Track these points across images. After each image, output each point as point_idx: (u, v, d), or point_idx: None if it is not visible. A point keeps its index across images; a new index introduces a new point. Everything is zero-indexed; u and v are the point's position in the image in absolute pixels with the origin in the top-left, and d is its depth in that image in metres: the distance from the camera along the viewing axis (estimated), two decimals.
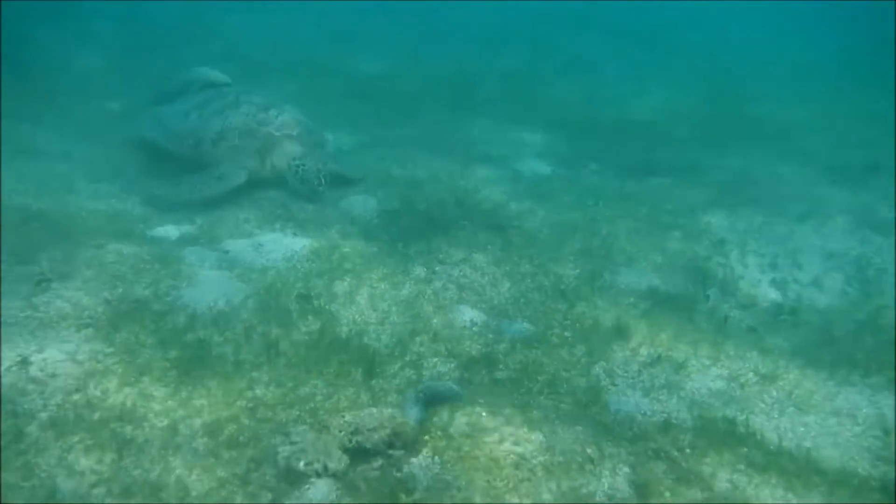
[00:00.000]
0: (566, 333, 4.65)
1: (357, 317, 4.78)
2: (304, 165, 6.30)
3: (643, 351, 4.46)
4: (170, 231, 5.76)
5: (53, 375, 3.72)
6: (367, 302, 4.98)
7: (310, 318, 4.69)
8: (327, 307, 4.85)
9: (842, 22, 18.73)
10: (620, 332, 4.63)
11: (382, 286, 5.19)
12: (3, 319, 4.08)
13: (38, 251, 5.01)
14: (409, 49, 14.21)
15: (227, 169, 6.29)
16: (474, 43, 15.07)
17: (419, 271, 5.40)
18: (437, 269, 5.41)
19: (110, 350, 4.03)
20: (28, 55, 9.91)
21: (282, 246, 5.70)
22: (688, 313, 4.94)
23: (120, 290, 4.71)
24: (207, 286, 4.96)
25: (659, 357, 4.37)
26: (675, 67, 13.78)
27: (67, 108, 8.33)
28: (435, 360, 4.28)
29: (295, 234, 5.92)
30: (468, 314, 4.84)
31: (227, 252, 5.51)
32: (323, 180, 6.26)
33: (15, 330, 4.03)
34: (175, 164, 6.68)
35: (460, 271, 5.39)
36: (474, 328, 4.67)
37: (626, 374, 4.26)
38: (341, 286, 5.14)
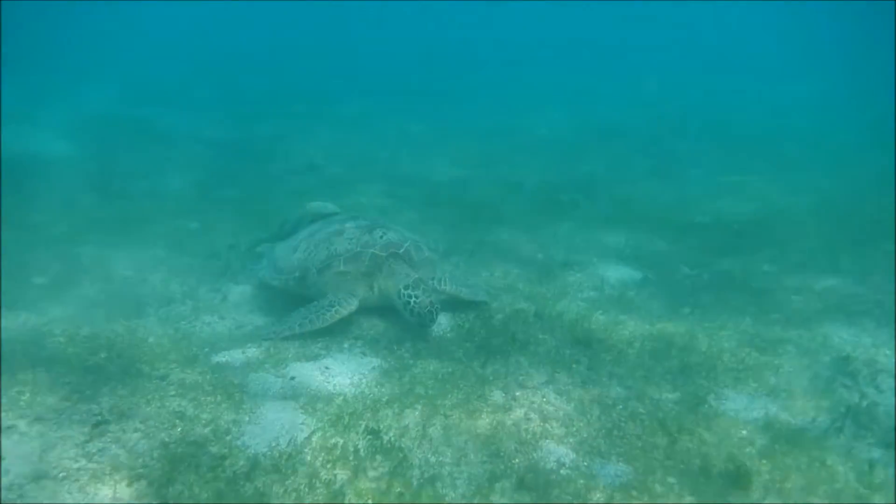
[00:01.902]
0: (670, 479, 3.96)
1: (430, 456, 4.28)
2: (416, 297, 5.74)
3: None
4: (234, 356, 5.53)
5: None
6: (440, 436, 4.48)
7: (378, 458, 4.23)
8: (397, 443, 4.39)
9: None
10: (737, 478, 3.91)
11: (457, 415, 4.70)
12: (54, 474, 3.85)
13: (101, 385, 4.87)
14: (486, 157, 14.31)
15: (336, 297, 5.97)
16: (555, 152, 15.03)
17: (497, 397, 4.89)
18: (517, 393, 4.88)
19: None
20: (114, 180, 10.52)
21: (349, 368, 5.36)
22: (818, 452, 4.14)
23: (179, 429, 4.44)
24: (270, 421, 4.61)
25: None
26: (775, 159, 13.12)
27: (150, 231, 8.57)
28: None
29: (364, 354, 5.58)
30: (555, 452, 4.25)
31: (292, 379, 5.20)
32: (435, 315, 5.73)
33: (65, 486, 3.77)
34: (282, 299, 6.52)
35: (543, 397, 4.84)
36: (563, 471, 4.06)
37: None
38: (412, 416, 4.68)
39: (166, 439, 4.32)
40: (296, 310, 6.01)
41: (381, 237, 6.27)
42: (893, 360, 5.24)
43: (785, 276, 7.17)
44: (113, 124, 15.30)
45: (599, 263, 7.75)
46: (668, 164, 13.56)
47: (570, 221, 9.29)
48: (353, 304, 5.90)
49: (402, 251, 6.19)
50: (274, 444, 4.33)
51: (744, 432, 4.39)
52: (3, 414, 4.38)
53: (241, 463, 4.14)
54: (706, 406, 4.73)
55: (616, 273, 7.49)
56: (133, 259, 7.54)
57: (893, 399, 4.79)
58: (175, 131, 15.66)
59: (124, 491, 3.81)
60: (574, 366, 5.23)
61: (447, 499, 3.86)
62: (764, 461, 4.06)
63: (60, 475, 3.85)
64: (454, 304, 6.35)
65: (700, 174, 12.82)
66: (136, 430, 4.36)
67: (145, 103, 18.41)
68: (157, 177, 11.58)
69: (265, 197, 10.74)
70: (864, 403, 4.72)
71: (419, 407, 4.78)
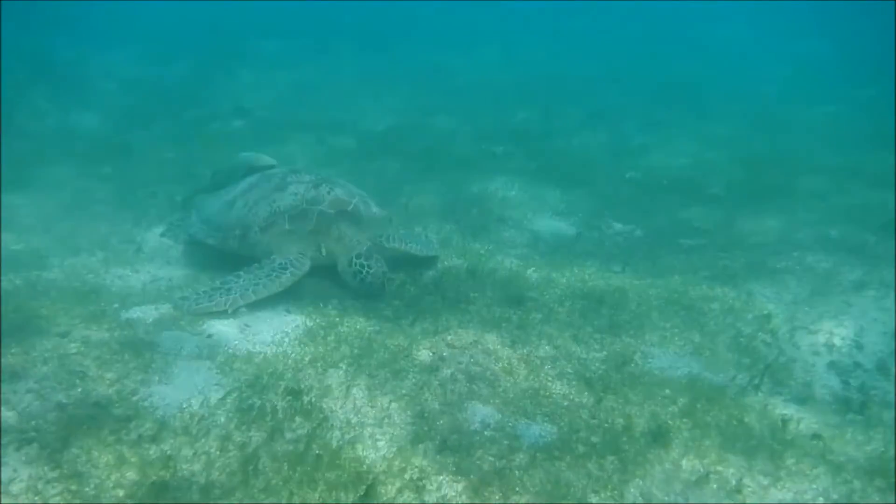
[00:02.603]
0: (594, 438, 3.94)
1: (352, 416, 4.12)
2: (369, 268, 5.45)
3: (686, 464, 3.73)
4: (147, 312, 5.17)
5: None
6: (364, 396, 4.32)
7: (297, 419, 4.04)
8: (319, 404, 4.20)
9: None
10: (658, 438, 3.92)
11: (383, 375, 4.54)
12: None
13: None
14: (420, 105, 13.90)
15: (286, 258, 5.51)
16: (487, 97, 14.70)
17: (425, 356, 4.75)
18: (445, 353, 4.75)
19: (54, 475, 3.39)
20: (15, 116, 9.66)
21: (272, 326, 5.10)
22: (737, 410, 4.20)
23: (79, 390, 4.11)
24: (182, 381, 4.33)
25: (707, 475, 3.63)
26: (703, 117, 13.23)
27: (57, 175, 7.92)
28: (440, 478, 3.59)
29: (287, 312, 5.32)
30: (480, 413, 4.16)
31: (209, 337, 4.90)
32: (387, 286, 5.50)
33: None
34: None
35: (471, 357, 4.73)
36: (487, 432, 3.98)
37: (667, 498, 3.54)
38: (336, 376, 4.50)
39: (63, 400, 3.98)
40: (236, 273, 5.44)
41: (328, 193, 5.83)
42: (812, 317, 5.37)
43: (714, 233, 7.26)
44: (15, 54, 13.98)
45: (534, 218, 7.67)
46: (602, 116, 13.51)
47: (504, 175, 9.13)
48: (307, 265, 5.48)
49: (350, 208, 5.81)
50: (185, 406, 4.07)
51: (667, 391, 4.41)
52: None
53: (148, 425, 3.86)
54: (633, 365, 4.73)
55: (550, 229, 7.43)
56: (36, 206, 6.97)
57: (809, 356, 4.92)
58: (86, 66, 14.54)
59: (12, 455, 3.49)
60: (504, 325, 5.13)
61: (367, 461, 3.72)
62: (685, 420, 4.09)
63: None
64: (389, 261, 6.12)
65: (632, 127, 12.84)
66: (28, 391, 4.00)
67: (51, 32, 16.93)
68: (64, 115, 10.75)
69: (184, 141, 10.15)
70: (782, 360, 4.82)
71: (343, 366, 4.60)
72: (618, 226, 7.47)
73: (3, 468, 3.37)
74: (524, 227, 7.33)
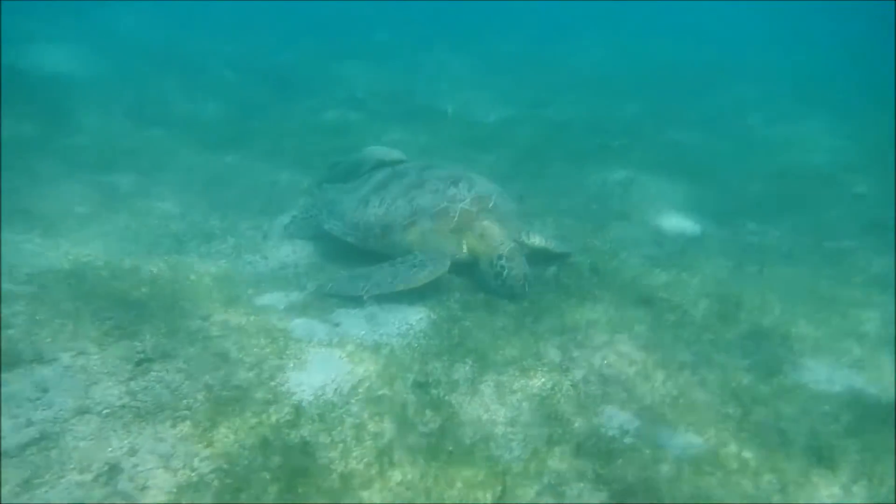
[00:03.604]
0: (746, 454, 3.66)
1: (483, 413, 4.04)
2: (510, 269, 5.27)
3: (857, 491, 3.39)
4: (278, 299, 5.32)
5: (144, 488, 3.24)
6: (493, 393, 4.23)
7: (428, 413, 4.01)
8: (447, 398, 4.15)
9: None
10: (821, 457, 3.59)
11: (510, 372, 4.44)
12: (98, 409, 3.71)
13: (144, 322, 4.71)
14: (529, 96, 13.69)
15: (427, 255, 5.44)
16: (595, 90, 14.26)
17: (553, 355, 4.60)
18: (574, 354, 4.59)
19: (207, 453, 3.52)
20: (147, 104, 10.24)
21: (396, 317, 5.11)
22: None
23: (222, 371, 4.26)
24: (315, 368, 4.41)
25: None
26: (835, 110, 12.24)
27: (186, 162, 8.34)
28: (580, 485, 3.44)
29: (411, 304, 5.30)
30: (617, 418, 3.97)
31: (337, 325, 4.97)
32: (527, 288, 5.30)
33: (110, 423, 3.63)
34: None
35: (603, 358, 4.53)
36: (626, 439, 3.79)
37: None
38: (463, 371, 4.44)
39: (210, 381, 4.14)
40: (379, 264, 5.49)
41: (469, 189, 5.72)
42: None
43: (864, 236, 6.64)
44: (144, 47, 14.89)
45: (656, 215, 7.31)
46: (722, 109, 12.79)
47: (623, 169, 8.77)
48: (447, 264, 5.36)
49: (491, 205, 5.69)
50: (320, 393, 4.13)
51: (826, 407, 4.05)
52: (46, 345, 4.25)
53: (287, 410, 3.95)
54: (782, 376, 4.37)
55: (675, 226, 7.05)
56: (169, 191, 7.35)
57: None
58: (205, 57, 15.28)
59: (168, 432, 3.65)
60: (636, 327, 4.89)
61: (502, 461, 3.62)
62: (851, 441, 3.72)
63: (104, 411, 3.71)
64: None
65: (759, 119, 12.06)
66: (179, 371, 4.20)
67: (174, 25, 17.90)
68: (190, 104, 11.30)
69: (300, 131, 10.43)
70: None
71: (469, 362, 4.53)
72: (751, 225, 6.99)
73: (160, 445, 3.53)
74: (648, 225, 7.00)
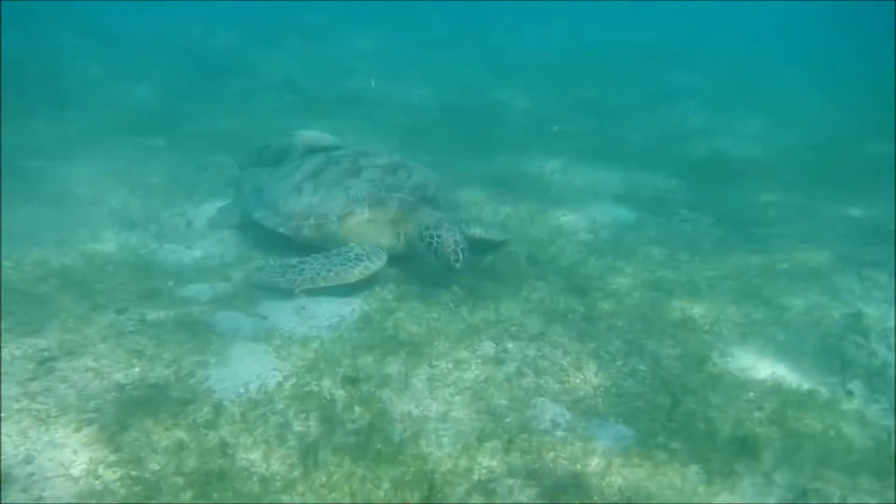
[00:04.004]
0: (674, 444, 3.67)
1: (414, 409, 3.92)
2: (438, 237, 5.07)
3: (779, 479, 3.43)
4: (202, 290, 5.07)
5: (39, 499, 2.99)
6: (425, 387, 4.13)
7: (357, 409, 3.86)
8: (378, 393, 4.02)
9: None
10: (745, 447, 3.62)
11: (444, 365, 4.34)
12: None
13: (51, 318, 4.39)
14: (469, 80, 13.56)
15: (363, 248, 5.24)
16: (543, 75, 14.24)
17: (487, 347, 4.52)
18: (509, 345, 4.52)
19: (114, 458, 3.29)
20: (70, 87, 9.65)
21: (328, 309, 4.94)
22: (831, 418, 3.87)
23: (136, 370, 4.01)
24: (239, 364, 4.20)
25: (804, 492, 3.33)
26: (772, 96, 12.57)
27: (106, 146, 7.86)
28: (511, 482, 3.37)
29: (343, 294, 5.14)
30: (549, 411, 3.92)
31: (265, 318, 4.76)
32: (461, 255, 5.03)
33: (4, 429, 3.34)
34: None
35: (537, 349, 4.48)
36: (558, 433, 3.74)
37: None
38: (395, 364, 4.31)
39: (122, 380, 3.89)
40: (313, 255, 5.26)
41: (408, 179, 5.53)
42: None
43: (791, 220, 6.81)
44: (62, 22, 13.99)
45: (594, 202, 7.32)
46: (663, 94, 12.99)
47: (562, 156, 8.76)
48: (384, 258, 5.20)
49: (430, 193, 5.49)
50: (242, 391, 3.93)
51: (751, 394, 4.10)
52: None
53: (206, 409, 3.74)
54: (710, 363, 4.42)
55: (611, 214, 7.07)
56: (90, 177, 6.91)
57: None
58: (136, 35, 14.53)
59: (71, 437, 3.40)
60: (570, 316, 4.86)
61: (431, 458, 3.52)
62: (774, 428, 3.78)
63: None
64: None
65: (696, 106, 12.29)
66: (87, 370, 3.93)
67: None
68: (116, 85, 10.72)
69: (233, 113, 10.03)
70: (876, 364, 4.45)
71: (402, 354, 4.41)
72: (684, 212, 7.08)
73: (61, 452, 3.28)
74: (585, 212, 6.99)
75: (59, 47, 12.39)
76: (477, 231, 5.75)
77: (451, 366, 4.33)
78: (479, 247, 5.91)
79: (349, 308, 4.96)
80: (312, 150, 6.21)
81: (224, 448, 3.46)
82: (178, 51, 13.88)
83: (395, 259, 5.41)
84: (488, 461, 3.50)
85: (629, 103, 12.35)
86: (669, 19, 22.85)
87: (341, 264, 5.10)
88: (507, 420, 3.82)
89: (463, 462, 3.49)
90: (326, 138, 6.28)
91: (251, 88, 11.75)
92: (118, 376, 3.92)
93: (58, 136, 7.99)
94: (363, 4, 21.09)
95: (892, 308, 5.10)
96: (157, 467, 3.28)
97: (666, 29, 21.07)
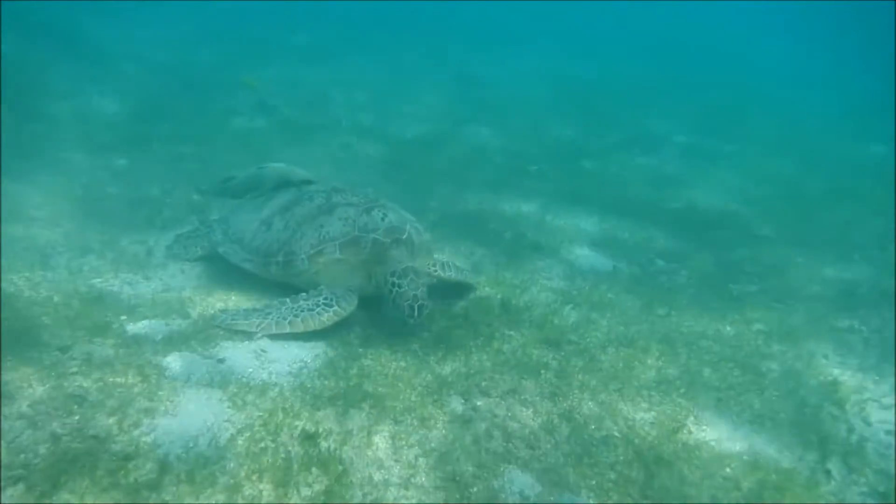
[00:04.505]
0: None
1: (375, 472, 3.68)
2: (399, 287, 4.86)
3: None
4: (156, 327, 4.76)
5: None
6: (388, 447, 3.88)
7: (314, 471, 3.60)
8: (338, 452, 3.77)
9: None
10: None
11: (409, 422, 4.10)
12: None
13: None
14: (452, 112, 13.50)
15: (333, 291, 5.00)
16: (521, 109, 14.27)
17: (456, 404, 4.30)
18: (478, 403, 4.30)
19: None
20: (35, 98, 9.25)
21: (289, 353, 4.68)
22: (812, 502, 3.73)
23: (76, 418, 3.69)
24: (190, 413, 3.91)
25: None
26: (747, 149, 12.74)
27: (67, 165, 7.52)
28: None
29: (307, 338, 4.88)
30: (518, 481, 3.70)
31: (221, 361, 4.48)
32: (416, 311, 4.80)
33: None
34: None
35: (507, 409, 4.27)
36: None
37: None
38: (358, 418, 4.06)
39: (59, 431, 3.57)
40: (281, 299, 5.02)
41: (383, 219, 5.28)
42: (884, 389, 4.88)
43: (766, 279, 6.77)
44: (34, 27, 13.55)
45: (570, 247, 7.20)
46: (641, 137, 13.08)
47: (539, 197, 8.68)
48: (354, 302, 4.96)
49: (405, 236, 5.26)
50: (191, 445, 3.65)
51: (727, 470, 3.94)
52: None
53: (149, 466, 3.45)
54: (685, 432, 4.26)
55: (587, 260, 6.96)
56: (46, 197, 6.57)
57: (882, 435, 4.43)
58: (109, 45, 14.13)
59: None
60: (542, 372, 4.67)
61: None
62: None
63: None
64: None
65: (675, 153, 12.38)
66: (19, 417, 3.60)
67: (71, 6, 16.51)
68: (82, 98, 10.34)
69: (205, 137, 9.72)
70: (853, 439, 4.34)
71: (366, 407, 4.17)
72: (660, 262, 6.99)
73: None
74: (560, 257, 6.87)
75: (28, 54, 11.98)
76: (451, 274, 5.63)
77: (416, 423, 4.10)
78: (454, 290, 5.74)
79: (313, 353, 4.71)
80: (284, 184, 5.95)
81: None
82: (156, 65, 13.58)
83: (364, 300, 5.19)
84: None
85: (607, 145, 12.38)
86: (655, 50, 23.31)
87: (309, 309, 4.86)
88: (474, 490, 3.60)
89: None
90: (298, 172, 6.01)
91: (224, 111, 11.46)
92: (55, 425, 3.60)
93: (16, 152, 7.60)
94: (354, 30, 21.14)
95: (868, 377, 5.03)
96: None
97: (649, 65, 21.48)
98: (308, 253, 5.21)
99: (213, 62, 15.04)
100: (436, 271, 5.49)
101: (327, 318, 4.81)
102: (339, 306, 4.88)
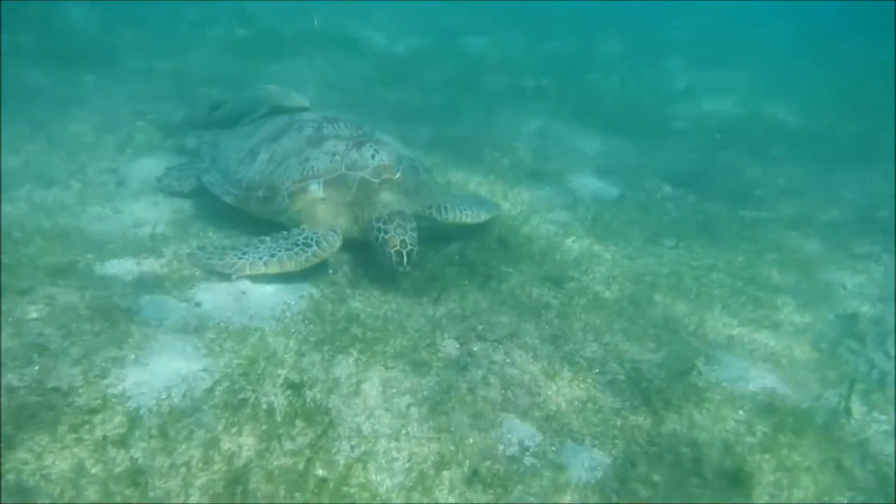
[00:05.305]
0: (655, 476, 3.26)
1: (364, 423, 3.42)
2: (385, 233, 4.48)
3: None
4: (126, 267, 4.40)
5: None
6: (378, 395, 3.61)
7: (298, 423, 3.34)
8: (324, 402, 3.50)
9: None
10: (735, 478, 3.24)
11: (401, 368, 3.82)
12: None
13: None
14: (441, 21, 12.63)
15: (314, 231, 4.60)
16: (520, 22, 13.36)
17: (450, 348, 4.02)
18: (474, 348, 4.01)
19: None
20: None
21: (273, 295, 4.35)
22: (831, 448, 3.50)
23: (36, 368, 3.39)
24: (162, 362, 3.61)
25: None
26: (757, 57, 12.00)
27: (26, 81, 6.93)
28: None
29: (290, 279, 4.53)
30: (517, 431, 3.45)
31: (197, 305, 4.15)
32: (404, 258, 4.40)
33: None
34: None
35: (505, 353, 3.99)
36: (526, 460, 3.29)
37: None
38: (345, 365, 3.78)
39: (15, 382, 3.27)
40: (260, 237, 4.63)
41: (373, 157, 4.80)
42: None
43: (779, 204, 6.39)
44: None
45: (571, 174, 6.78)
46: (643, 49, 12.33)
47: (537, 117, 8.16)
48: (336, 244, 4.54)
49: (397, 176, 4.79)
50: (164, 397, 3.36)
51: (740, 412, 3.70)
52: None
53: (117, 420, 3.17)
54: (695, 373, 4.00)
55: (590, 187, 6.56)
56: (3, 121, 6.02)
57: None
58: None
59: None
60: (543, 313, 4.37)
61: (381, 489, 3.04)
62: (767, 456, 3.39)
63: None
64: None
65: (679, 65, 11.70)
66: None
67: None
68: (45, 3, 9.50)
69: (181, 49, 9.03)
70: (874, 374, 4.09)
71: (354, 353, 3.88)
72: (667, 188, 6.60)
73: None
74: (561, 185, 6.46)
75: None
76: (451, 216, 5.01)
77: (408, 369, 3.82)
78: (449, 227, 5.34)
79: (297, 295, 4.38)
80: (276, 110, 5.41)
81: (135, 474, 2.91)
82: None
83: (351, 241, 4.81)
84: (446, 496, 3.04)
85: (609, 56, 11.68)
86: None
87: (287, 249, 4.48)
88: (470, 442, 3.35)
89: (416, 497, 3.02)
90: (294, 97, 5.42)
91: (201, 19, 10.63)
92: (11, 377, 3.29)
93: None
94: None
95: (890, 308, 4.74)
96: (49, 500, 2.73)
97: None
98: (290, 189, 4.76)
99: None
100: (431, 213, 4.96)
101: (305, 259, 4.43)
102: (318, 247, 4.48)
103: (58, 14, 9.39)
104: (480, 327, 4.16)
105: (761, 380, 4.00)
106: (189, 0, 10.97)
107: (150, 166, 5.78)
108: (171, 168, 5.69)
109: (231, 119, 5.75)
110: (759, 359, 4.20)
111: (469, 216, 5.06)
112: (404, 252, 4.41)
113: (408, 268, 4.45)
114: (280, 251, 4.46)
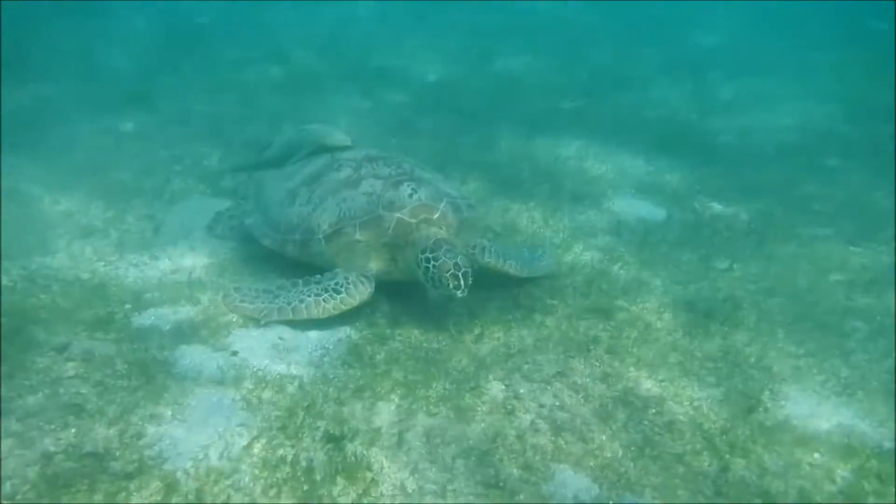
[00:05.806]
0: None
1: (408, 479, 3.23)
2: (435, 260, 4.24)
3: None
4: (163, 315, 4.34)
5: None
6: (422, 445, 3.43)
7: (340, 482, 3.18)
8: (366, 456, 3.33)
9: None
10: None
11: (444, 413, 3.65)
12: None
13: None
14: (473, 45, 12.55)
15: (346, 276, 4.43)
16: (553, 41, 13.21)
17: (496, 391, 3.82)
18: (521, 389, 3.80)
19: None
20: (36, 55, 8.71)
21: (311, 339, 4.23)
22: None
23: (72, 431, 3.32)
24: (199, 418, 3.51)
25: None
26: (794, 61, 11.55)
27: (66, 130, 7.06)
28: None
29: (328, 321, 4.38)
30: (571, 484, 3.22)
31: (234, 354, 4.05)
32: (461, 281, 4.16)
33: None
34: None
35: (554, 396, 3.76)
36: None
37: None
38: (387, 412, 3.62)
39: (52, 449, 3.20)
40: (293, 280, 4.52)
41: (411, 196, 4.58)
42: None
43: (838, 218, 6.00)
44: None
45: (614, 196, 6.50)
46: (683, 61, 11.98)
47: (576, 138, 7.92)
48: (367, 290, 4.37)
49: (436, 216, 4.55)
50: (201, 457, 3.25)
51: (816, 455, 3.39)
52: None
53: (154, 486, 3.06)
54: (762, 410, 3.71)
55: (634, 209, 6.28)
56: (43, 170, 6.13)
57: None
58: None
59: None
60: (592, 348, 4.13)
61: None
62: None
63: None
64: None
65: (719, 76, 11.30)
66: (9, 436, 3.24)
67: None
68: (83, 53, 9.77)
69: (217, 91, 9.13)
70: None
71: (395, 399, 3.72)
72: (717, 207, 6.28)
73: None
74: (604, 208, 6.21)
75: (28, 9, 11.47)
76: (491, 261, 4.71)
77: (452, 415, 3.64)
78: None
79: (335, 338, 4.25)
80: (321, 150, 5.34)
81: None
82: (160, 13, 12.91)
83: (390, 281, 4.64)
84: None
85: (646, 70, 11.38)
86: None
87: (316, 294, 4.35)
88: (521, 498, 3.13)
89: None
90: (336, 135, 5.31)
91: (238, 61, 10.80)
92: (47, 442, 3.23)
93: (12, 117, 7.16)
94: None
95: None
96: None
97: None
98: (325, 232, 4.61)
99: (222, 8, 14.27)
100: (474, 254, 4.67)
101: (332, 306, 4.28)
102: (346, 294, 4.32)
103: (99, 62, 9.67)
104: (526, 366, 3.95)
105: (836, 416, 3.68)
106: (225, 45, 11.20)
107: (186, 210, 5.78)
108: (220, 213, 5.61)
109: (278, 160, 5.72)
110: (831, 392, 3.87)
111: (512, 267, 4.74)
112: (459, 274, 4.16)
113: (465, 291, 4.17)
114: (309, 296, 4.34)
